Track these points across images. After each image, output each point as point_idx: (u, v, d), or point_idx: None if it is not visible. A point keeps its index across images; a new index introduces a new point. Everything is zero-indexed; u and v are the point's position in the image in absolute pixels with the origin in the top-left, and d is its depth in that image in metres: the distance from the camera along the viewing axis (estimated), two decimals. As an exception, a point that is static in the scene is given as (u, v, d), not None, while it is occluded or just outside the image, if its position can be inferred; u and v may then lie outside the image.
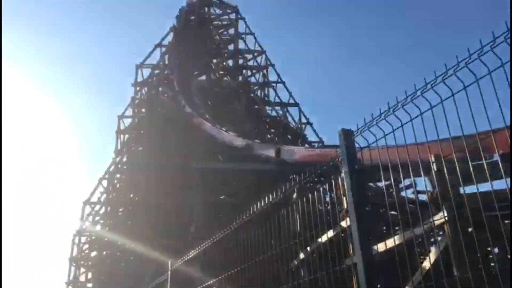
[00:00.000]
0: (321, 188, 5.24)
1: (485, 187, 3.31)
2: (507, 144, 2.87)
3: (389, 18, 62.03)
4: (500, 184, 3.24)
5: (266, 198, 5.81)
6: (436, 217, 7.07)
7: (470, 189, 4.30)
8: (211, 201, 18.01)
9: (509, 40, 2.47)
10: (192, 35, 30.73)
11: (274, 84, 28.99)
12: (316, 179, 5.12)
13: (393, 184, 8.64)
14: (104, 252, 25.55)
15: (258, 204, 5.78)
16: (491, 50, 2.57)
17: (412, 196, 7.87)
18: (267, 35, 69.02)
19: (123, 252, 23.45)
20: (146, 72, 30.56)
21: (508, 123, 2.48)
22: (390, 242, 5.81)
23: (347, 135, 3.39)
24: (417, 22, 59.05)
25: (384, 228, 9.19)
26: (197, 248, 7.21)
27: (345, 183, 3.37)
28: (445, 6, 56.52)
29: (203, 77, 30.24)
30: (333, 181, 3.84)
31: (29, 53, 67.38)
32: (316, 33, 66.26)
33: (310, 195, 4.84)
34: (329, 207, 5.50)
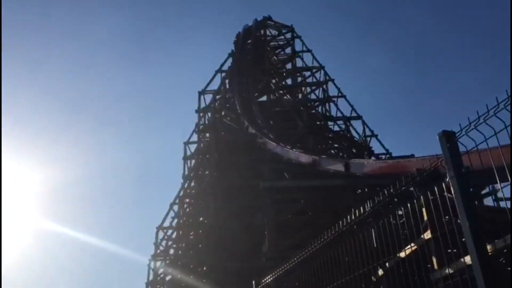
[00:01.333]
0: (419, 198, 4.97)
1: None
2: None
3: (451, 20, 59.55)
4: None
5: (357, 211, 5.61)
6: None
7: None
8: (281, 220, 17.85)
9: None
10: (250, 58, 31.29)
11: (335, 99, 28.64)
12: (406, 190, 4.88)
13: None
14: (179, 276, 26.06)
15: (347, 218, 5.58)
16: None
17: None
18: (325, 49, 68.82)
19: (198, 276, 23.79)
20: (208, 98, 31.48)
21: None
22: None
23: (450, 137, 3.17)
24: (481, 21, 56.14)
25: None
26: (280, 268, 7.07)
27: (451, 188, 3.15)
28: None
29: (264, 98, 30.57)
30: (436, 189, 3.61)
31: (96, 87, 71.94)
32: (374, 42, 65.14)
33: (408, 206, 4.59)
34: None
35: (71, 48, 71.70)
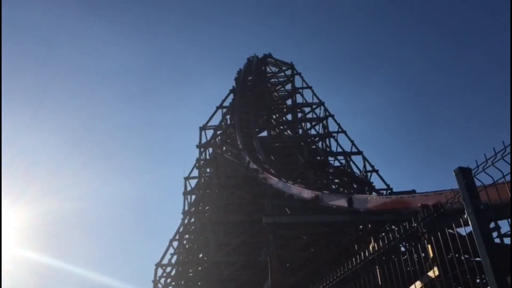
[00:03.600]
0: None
1: None
2: None
3: (450, 57, 60.81)
4: None
5: (362, 253, 5.61)
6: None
7: None
8: (284, 257, 17.64)
9: None
10: (251, 94, 31.77)
11: (335, 134, 28.90)
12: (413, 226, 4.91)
13: None
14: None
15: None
16: None
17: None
18: (325, 85, 69.99)
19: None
20: (209, 133, 31.71)
21: None
22: None
23: (467, 174, 3.25)
24: (479, 59, 57.35)
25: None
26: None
27: (469, 223, 3.22)
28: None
29: (264, 133, 30.82)
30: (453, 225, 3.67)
31: (98, 121, 72.40)
32: (373, 78, 66.25)
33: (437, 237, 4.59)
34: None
35: (75, 82, 72.74)
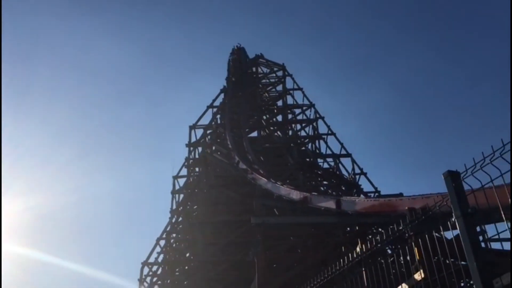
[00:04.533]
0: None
1: None
2: None
3: (442, 63, 61.36)
4: None
5: (350, 255, 5.64)
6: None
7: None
8: (271, 257, 17.66)
9: None
10: (242, 94, 31.77)
11: (324, 136, 29.01)
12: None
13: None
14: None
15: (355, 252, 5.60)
16: None
17: None
18: (316, 87, 70.22)
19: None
20: (199, 132, 31.63)
21: None
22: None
23: (455, 177, 3.28)
24: (478, 61, 57.78)
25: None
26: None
27: (457, 226, 3.25)
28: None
29: (255, 134, 30.82)
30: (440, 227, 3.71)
31: (88, 117, 71.75)
32: (365, 82, 66.67)
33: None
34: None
35: (65, 76, 72.06)
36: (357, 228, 15.66)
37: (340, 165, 27.51)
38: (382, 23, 68.53)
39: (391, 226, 5.39)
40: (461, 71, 61.68)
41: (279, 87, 33.88)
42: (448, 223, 3.52)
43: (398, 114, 64.95)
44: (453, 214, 3.32)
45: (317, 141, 29.20)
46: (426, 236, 4.65)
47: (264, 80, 35.36)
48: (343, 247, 16.99)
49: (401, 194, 17.15)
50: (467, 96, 60.86)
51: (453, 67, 62.74)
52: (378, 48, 69.01)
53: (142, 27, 79.30)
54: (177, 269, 27.16)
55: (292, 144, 27.67)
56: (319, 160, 28.24)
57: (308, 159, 27.55)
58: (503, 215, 3.12)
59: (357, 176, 26.51)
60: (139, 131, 74.22)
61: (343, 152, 27.72)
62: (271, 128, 31.20)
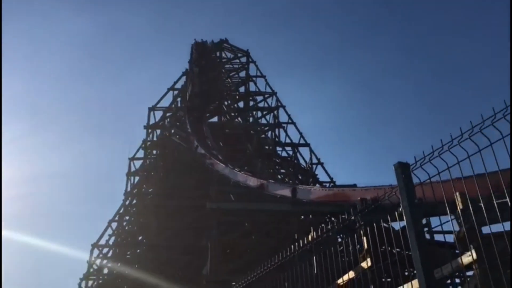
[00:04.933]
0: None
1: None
2: None
3: (406, 59, 62.85)
4: None
5: (301, 241, 5.67)
6: (464, 257, 6.90)
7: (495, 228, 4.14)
8: (225, 243, 17.65)
9: None
10: (204, 79, 31.34)
11: (284, 125, 29.15)
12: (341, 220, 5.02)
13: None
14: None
15: (303, 240, 5.61)
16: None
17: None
18: (280, 76, 70.45)
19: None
20: (159, 115, 31.01)
21: None
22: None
23: (405, 169, 3.32)
24: (437, 62, 59.53)
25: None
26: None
27: (404, 217, 3.29)
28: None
29: (215, 119, 30.57)
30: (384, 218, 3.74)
31: (44, 97, 68.85)
32: (328, 74, 67.50)
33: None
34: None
35: (20, 48, 68.53)
36: (311, 216, 15.89)
37: (298, 154, 27.80)
38: (347, 16, 69.29)
39: (342, 216, 5.44)
40: (421, 67, 63.42)
41: (242, 74, 33.70)
42: (396, 213, 3.57)
43: (358, 107, 66.35)
44: (400, 204, 3.36)
45: (277, 130, 29.31)
46: (375, 225, 4.71)
47: (227, 66, 35.03)
48: (296, 235, 17.22)
49: (354, 185, 17.52)
50: (425, 91, 62.79)
51: (411, 62, 64.41)
52: (341, 41, 69.87)
53: (105, 2, 76.48)
54: (128, 252, 26.73)
55: (252, 131, 27.65)
56: (278, 148, 28.39)
57: (267, 147, 27.64)
58: (447, 208, 3.20)
59: (314, 166, 26.90)
60: (95, 109, 72.00)
61: (302, 141, 28.01)
62: (232, 114, 31.02)
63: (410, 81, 62.68)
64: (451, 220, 3.88)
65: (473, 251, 6.73)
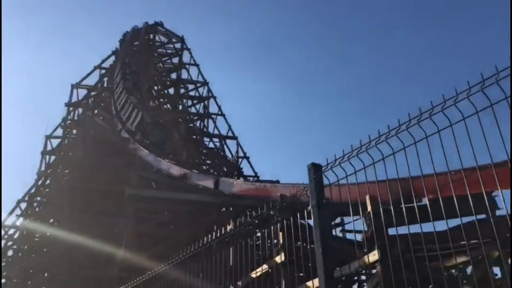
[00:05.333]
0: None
1: (415, 228, 3.50)
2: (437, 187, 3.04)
3: (340, 57, 64.85)
4: (429, 227, 3.41)
5: (219, 231, 5.69)
6: (370, 255, 7.34)
7: (402, 230, 4.45)
8: (142, 230, 17.23)
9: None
10: (134, 61, 30.24)
11: (214, 116, 29.05)
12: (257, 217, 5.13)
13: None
14: (15, 280, 23.41)
15: (212, 235, 5.62)
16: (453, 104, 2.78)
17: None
18: (214, 67, 69.73)
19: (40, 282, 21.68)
20: (82, 93, 29.51)
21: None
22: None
23: (317, 170, 3.45)
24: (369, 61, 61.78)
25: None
26: (133, 280, 6.82)
27: (312, 215, 3.40)
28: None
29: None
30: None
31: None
32: (261, 69, 68.11)
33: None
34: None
35: None
36: (231, 209, 15.98)
37: (225, 146, 27.86)
38: (290, 11, 70.00)
39: (260, 210, 5.52)
40: (354, 69, 65.88)
41: (175, 60, 33.00)
42: (305, 211, 3.72)
43: (291, 104, 67.43)
44: (309, 203, 3.50)
45: (206, 120, 29.14)
46: (286, 222, 4.85)
47: (160, 50, 34.11)
48: (215, 227, 17.24)
49: (277, 181, 17.90)
50: (356, 91, 65.32)
51: (343, 65, 66.70)
52: (281, 39, 70.69)
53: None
54: (37, 235, 25.24)
55: (180, 119, 27.22)
56: (205, 139, 28.23)
57: (194, 137, 27.37)
58: (350, 209, 3.39)
59: (240, 160, 27.11)
60: (12, 80, 66.55)
61: (230, 134, 28.10)
62: (161, 100, 30.31)
63: (342, 83, 64.82)
64: (355, 220, 4.08)
65: (377, 250, 7.18)
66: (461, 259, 8.19)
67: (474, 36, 55.14)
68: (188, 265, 6.27)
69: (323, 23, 66.28)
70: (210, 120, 28.99)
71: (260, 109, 67.31)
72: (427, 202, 3.48)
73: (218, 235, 5.83)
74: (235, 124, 28.81)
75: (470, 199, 2.72)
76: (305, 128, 64.50)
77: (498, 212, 5.60)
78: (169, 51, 33.86)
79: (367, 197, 7.18)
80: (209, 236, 6.08)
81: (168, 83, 31.58)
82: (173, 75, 32.13)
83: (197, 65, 31.46)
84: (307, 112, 62.86)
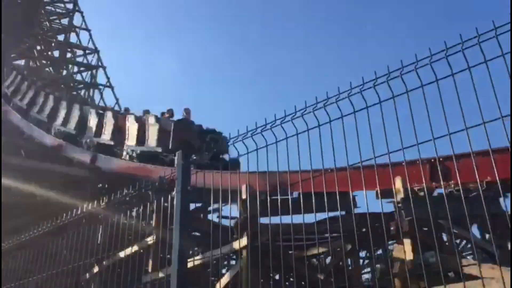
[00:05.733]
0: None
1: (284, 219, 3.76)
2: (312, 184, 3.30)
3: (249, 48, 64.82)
4: (299, 218, 3.69)
5: (90, 205, 5.48)
6: (235, 243, 7.68)
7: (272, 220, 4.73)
8: (6, 201, 15.76)
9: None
10: (17, 13, 27.20)
11: (101, 87, 27.52)
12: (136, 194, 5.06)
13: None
14: None
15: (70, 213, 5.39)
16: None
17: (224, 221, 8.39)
18: (111, 36, 65.54)
19: None
20: None
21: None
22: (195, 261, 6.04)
23: (186, 156, 3.48)
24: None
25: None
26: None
27: (174, 201, 3.44)
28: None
29: (22, 62, 26.96)
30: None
31: None
32: (163, 47, 65.60)
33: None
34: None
35: None
36: (106, 186, 15.38)
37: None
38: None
39: (133, 189, 5.44)
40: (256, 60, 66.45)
41: (65, 21, 30.39)
42: (169, 196, 3.76)
43: (190, 86, 66.02)
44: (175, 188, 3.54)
45: (92, 90, 27.46)
46: (160, 203, 4.87)
47: (49, 7, 31.11)
48: (87, 202, 16.40)
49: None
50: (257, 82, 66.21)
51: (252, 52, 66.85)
52: (182, 16, 68.70)
53: None
54: None
55: (62, 86, 25.27)
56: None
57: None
58: (211, 196, 3.49)
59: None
60: None
61: (117, 108, 26.85)
62: (43, 61, 27.77)
63: (247, 69, 65.04)
64: (224, 205, 4.22)
65: (245, 237, 7.52)
66: (322, 249, 8.99)
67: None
68: (52, 239, 6.05)
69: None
70: (97, 91, 27.42)
71: (156, 86, 65.24)
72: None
73: (79, 212, 5.65)
74: (124, 99, 27.65)
75: (338, 197, 2.93)
76: (202, 111, 63.97)
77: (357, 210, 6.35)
78: (58, 10, 31.07)
79: (244, 186, 7.47)
80: (76, 210, 5.88)
81: (53, 44, 29.01)
82: (61, 37, 29.63)
83: (89, 30, 29.39)
84: (207, 95, 62.16)
